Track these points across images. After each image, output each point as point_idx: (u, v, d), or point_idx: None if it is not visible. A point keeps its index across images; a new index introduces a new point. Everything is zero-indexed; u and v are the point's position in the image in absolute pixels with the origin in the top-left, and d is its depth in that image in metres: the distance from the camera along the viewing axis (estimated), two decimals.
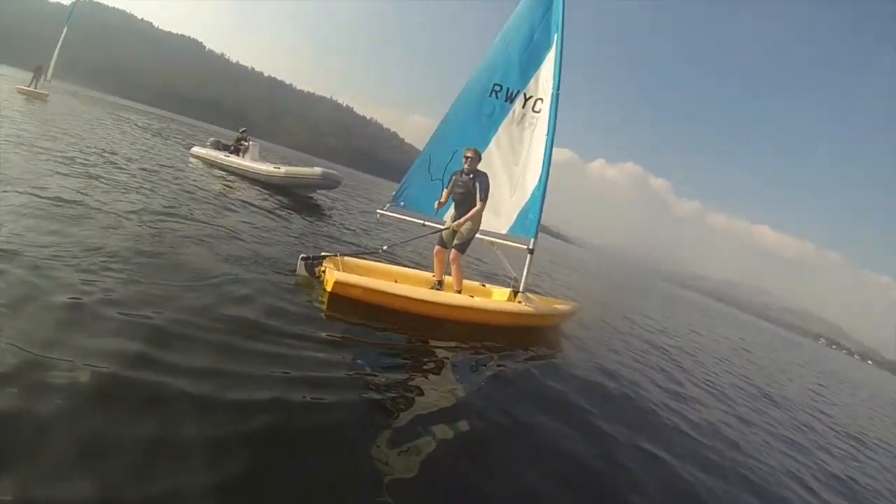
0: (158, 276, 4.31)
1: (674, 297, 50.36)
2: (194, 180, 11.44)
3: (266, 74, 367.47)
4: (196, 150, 17.77)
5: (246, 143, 17.01)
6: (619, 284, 29.10)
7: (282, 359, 3.52)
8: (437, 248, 6.57)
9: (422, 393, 3.80)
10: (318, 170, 14.94)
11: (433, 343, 5.03)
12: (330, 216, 13.01)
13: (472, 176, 6.27)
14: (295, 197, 14.10)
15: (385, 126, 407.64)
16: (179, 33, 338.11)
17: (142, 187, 8.26)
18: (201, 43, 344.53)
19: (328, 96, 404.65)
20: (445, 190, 6.57)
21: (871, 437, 9.27)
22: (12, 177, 6.24)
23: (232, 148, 17.22)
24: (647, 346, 9.33)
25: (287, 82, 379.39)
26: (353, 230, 11.51)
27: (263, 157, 17.43)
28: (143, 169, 10.40)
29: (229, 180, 13.80)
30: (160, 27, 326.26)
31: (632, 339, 9.61)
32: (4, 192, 5.41)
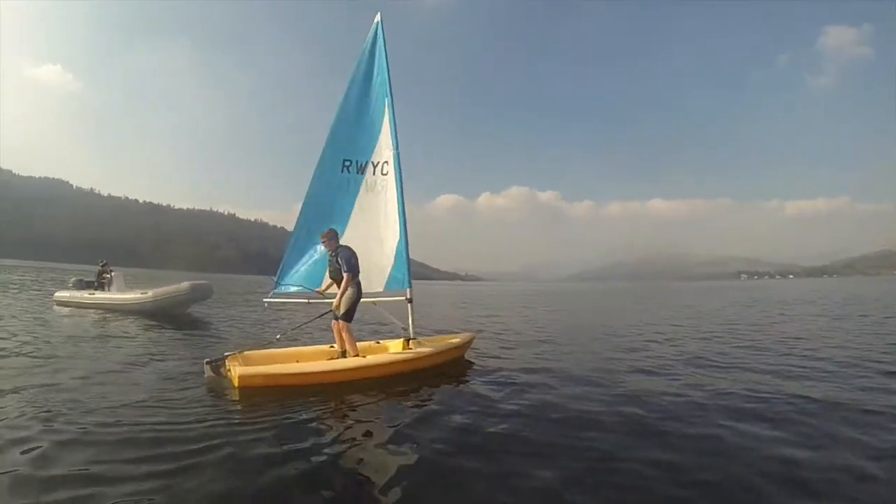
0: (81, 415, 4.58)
1: (586, 293, 50.73)
2: (59, 329, 10.61)
3: (142, 201, 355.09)
4: (59, 294, 16.70)
5: (108, 275, 16.15)
6: (525, 304, 28.78)
7: (210, 453, 3.77)
8: (332, 322, 6.98)
9: (347, 452, 4.02)
10: (185, 284, 14.48)
11: (343, 406, 5.32)
12: (212, 324, 12.77)
13: (335, 254, 6.77)
14: (172, 318, 13.40)
15: (271, 224, 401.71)
16: (43, 176, 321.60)
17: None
18: (68, 182, 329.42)
19: (208, 208, 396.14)
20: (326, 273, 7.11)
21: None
22: None
23: (95, 283, 16.31)
24: (543, 349, 9.61)
25: (164, 204, 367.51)
26: (245, 328, 11.85)
27: (131, 286, 16.65)
28: None
29: (101, 318, 12.95)
30: (20, 173, 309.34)
31: (528, 348, 9.69)
32: None
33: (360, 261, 6.81)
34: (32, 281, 30.15)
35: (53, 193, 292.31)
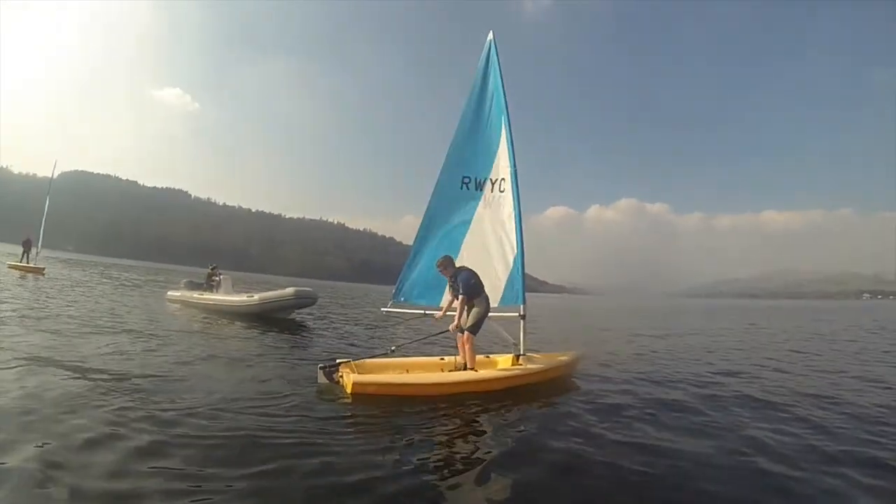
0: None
1: (686, 309, 48.37)
2: (169, 325, 11.07)
3: (254, 210, 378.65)
4: (171, 293, 17.72)
5: (217, 278, 16.78)
6: (633, 321, 27.13)
7: (323, 456, 3.86)
8: (457, 333, 7.03)
9: (455, 458, 4.18)
10: (290, 290, 14.67)
11: (453, 418, 5.29)
12: (316, 329, 12.92)
13: (453, 278, 6.99)
14: (276, 321, 13.60)
15: (379, 234, 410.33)
16: (165, 186, 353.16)
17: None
18: (187, 192, 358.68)
19: (318, 218, 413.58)
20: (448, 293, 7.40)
21: None
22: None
23: (205, 285, 17.05)
24: (652, 370, 9.01)
25: (275, 213, 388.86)
26: (350, 337, 11.82)
27: (238, 289, 17.17)
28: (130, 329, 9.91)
29: (207, 318, 13.43)
30: (145, 184, 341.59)
31: (639, 364, 9.50)
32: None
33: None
34: (145, 280, 32.61)
35: (173, 201, 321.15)
